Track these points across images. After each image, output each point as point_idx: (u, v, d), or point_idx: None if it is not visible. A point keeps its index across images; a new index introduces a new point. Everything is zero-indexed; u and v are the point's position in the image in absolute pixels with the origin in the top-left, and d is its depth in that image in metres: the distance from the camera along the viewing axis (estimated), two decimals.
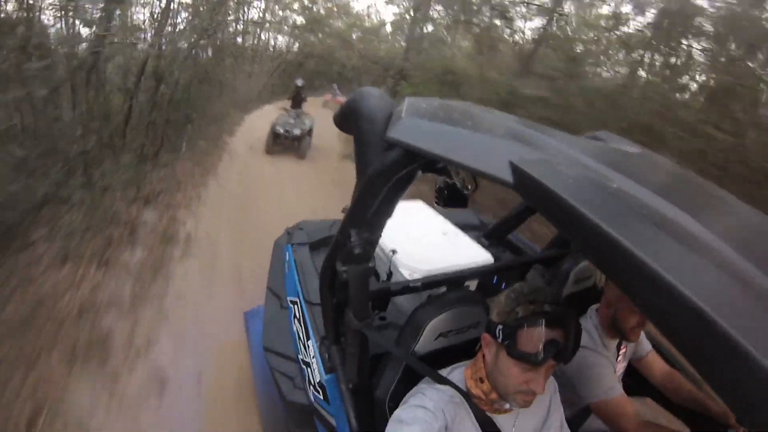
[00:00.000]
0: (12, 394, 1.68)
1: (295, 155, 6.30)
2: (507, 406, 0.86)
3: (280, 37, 12.66)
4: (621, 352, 1.24)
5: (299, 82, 7.16)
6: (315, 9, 11.40)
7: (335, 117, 0.95)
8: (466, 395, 0.87)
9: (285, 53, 12.22)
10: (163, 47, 4.54)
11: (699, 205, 0.61)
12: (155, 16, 5.02)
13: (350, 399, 1.05)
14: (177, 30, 5.08)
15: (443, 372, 0.93)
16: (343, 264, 0.93)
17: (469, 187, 0.83)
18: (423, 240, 1.54)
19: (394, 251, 1.42)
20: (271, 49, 12.53)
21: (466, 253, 1.51)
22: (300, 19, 11.65)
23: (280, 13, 11.80)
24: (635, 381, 1.31)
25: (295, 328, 1.49)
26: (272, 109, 7.98)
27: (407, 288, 1.19)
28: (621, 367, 1.25)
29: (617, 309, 1.12)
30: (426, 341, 1.02)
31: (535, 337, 0.77)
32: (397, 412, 0.85)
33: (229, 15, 7.10)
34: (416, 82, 6.34)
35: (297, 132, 6.29)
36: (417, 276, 1.33)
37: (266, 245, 2.03)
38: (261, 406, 1.82)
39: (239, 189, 4.42)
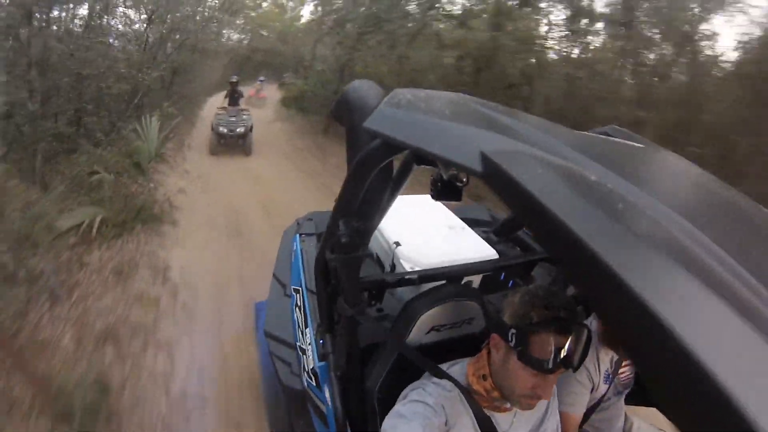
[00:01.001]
0: None
1: (241, 153, 6.70)
2: (508, 405, 0.87)
3: (234, 34, 15.64)
4: (626, 363, 1.23)
5: (234, 78, 7.35)
6: (264, 6, 14.40)
7: (332, 110, 0.97)
8: (467, 391, 0.87)
9: (237, 48, 15.25)
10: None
11: (706, 213, 0.52)
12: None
13: (338, 386, 1.08)
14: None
15: (444, 366, 0.94)
16: (331, 252, 0.96)
17: (464, 180, 0.80)
18: (427, 233, 1.54)
19: (397, 243, 1.43)
20: (225, 43, 15.45)
21: (470, 248, 1.50)
22: (253, 14, 14.58)
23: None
24: (644, 390, 1.29)
25: (295, 316, 1.55)
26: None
27: (403, 280, 1.18)
28: (626, 376, 1.26)
29: None
30: (418, 333, 1.04)
31: (548, 343, 0.76)
32: (396, 406, 0.87)
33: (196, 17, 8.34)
34: (318, 70, 9.66)
35: (241, 130, 6.49)
36: (418, 269, 1.33)
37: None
38: (265, 393, 1.94)
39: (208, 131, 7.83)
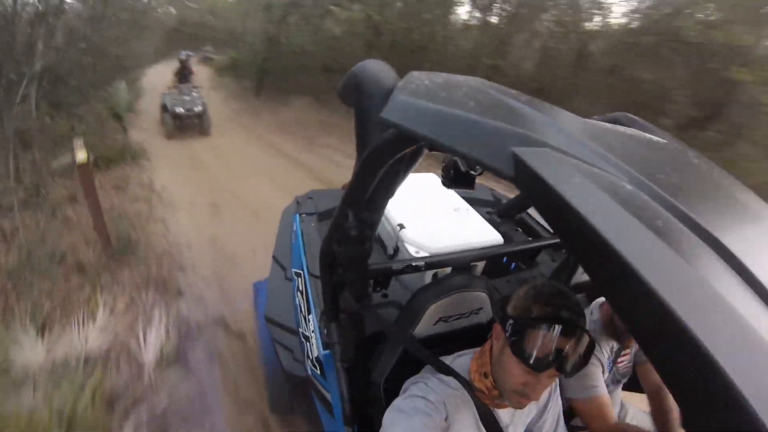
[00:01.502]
0: None
1: (198, 133, 6.41)
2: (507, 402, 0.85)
3: (172, 9, 15.94)
4: (625, 352, 1.24)
5: (183, 56, 7.07)
6: None
7: (338, 90, 0.87)
8: (469, 387, 0.86)
9: (166, 21, 15.70)
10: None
11: (738, 230, 0.49)
12: None
13: (345, 377, 1.07)
14: None
15: (446, 359, 0.92)
16: (339, 245, 0.94)
17: (477, 169, 0.77)
18: (432, 215, 1.53)
19: (401, 226, 1.41)
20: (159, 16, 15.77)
21: (475, 231, 1.48)
22: None
23: None
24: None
25: (297, 301, 1.52)
26: (161, 68, 11.75)
27: (410, 267, 1.16)
28: (624, 365, 1.27)
29: None
30: (425, 325, 1.02)
31: (543, 341, 0.74)
32: (397, 400, 0.85)
33: None
34: (248, 42, 10.96)
35: (198, 108, 6.14)
36: (423, 254, 1.32)
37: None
38: (266, 376, 1.95)
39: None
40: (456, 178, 0.80)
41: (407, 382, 0.92)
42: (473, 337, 1.07)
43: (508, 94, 0.62)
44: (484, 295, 1.08)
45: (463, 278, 1.08)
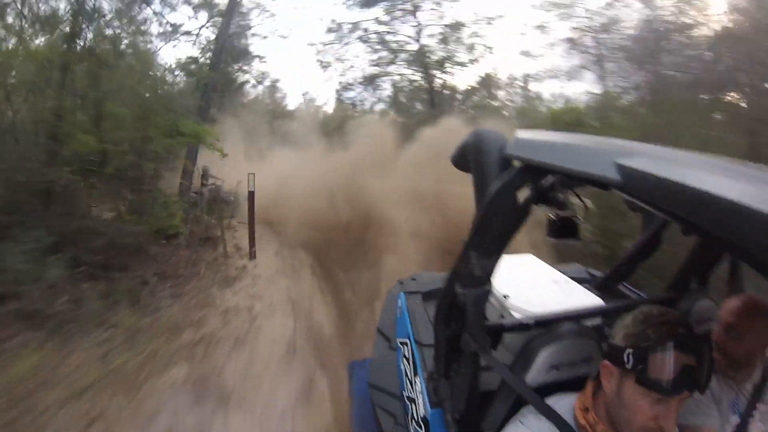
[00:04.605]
0: None
1: None
2: None
3: None
4: (756, 411, 1.08)
5: None
6: None
7: (452, 158, 1.06)
8: (570, 428, 0.81)
9: None
10: None
11: None
12: None
13: (455, 429, 1.07)
14: None
15: (552, 399, 0.89)
16: (462, 287, 0.99)
17: (580, 218, 0.83)
18: (534, 286, 1.56)
19: (506, 296, 1.44)
20: None
21: (578, 297, 1.50)
22: None
23: None
24: None
25: (402, 366, 1.56)
26: None
27: (521, 325, 1.18)
28: (758, 428, 1.12)
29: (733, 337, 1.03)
30: (538, 371, 1.03)
31: (670, 362, 0.70)
32: None
33: None
34: None
35: None
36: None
37: None
38: None
39: None
40: (561, 229, 0.84)
41: (507, 423, 0.91)
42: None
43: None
44: (594, 344, 1.09)
45: (573, 325, 1.12)
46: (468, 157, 0.99)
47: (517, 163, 0.89)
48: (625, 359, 0.74)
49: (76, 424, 2.32)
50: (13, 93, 4.40)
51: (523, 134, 0.83)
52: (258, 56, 11.15)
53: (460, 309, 1.03)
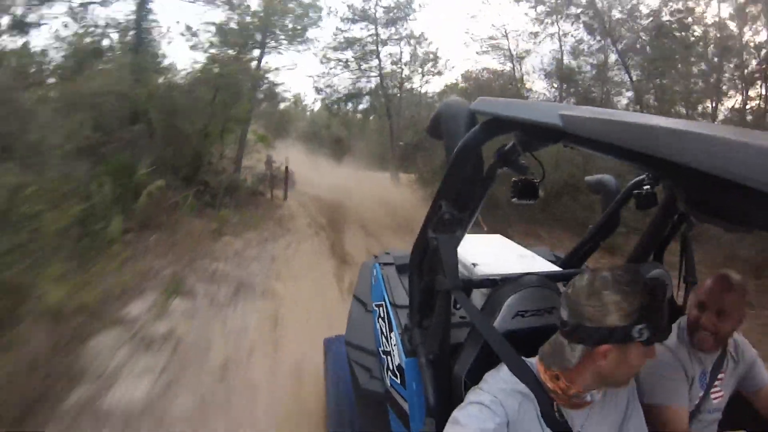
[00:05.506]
0: None
1: None
2: (588, 398, 0.84)
3: None
4: (719, 378, 1.20)
5: None
6: None
7: (427, 128, 1.22)
8: (539, 385, 0.85)
9: None
10: None
11: None
12: None
13: (429, 371, 1.12)
14: None
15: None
16: (433, 232, 1.06)
17: (538, 179, 0.98)
18: (501, 259, 1.69)
19: (474, 264, 1.56)
20: None
21: (543, 267, 1.61)
22: None
23: None
24: (735, 414, 1.30)
25: (378, 326, 1.70)
26: None
27: (489, 281, 1.30)
28: (718, 395, 1.22)
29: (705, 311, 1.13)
30: (504, 319, 1.10)
31: (666, 313, 0.79)
32: (454, 412, 0.86)
33: None
34: None
35: None
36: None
37: None
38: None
39: None
40: (523, 190, 1.03)
41: (468, 392, 0.93)
42: (548, 338, 1.07)
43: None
44: (555, 296, 1.14)
45: (536, 277, 1.17)
46: (440, 125, 1.11)
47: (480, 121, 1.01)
48: (636, 334, 0.76)
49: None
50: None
51: (486, 98, 0.96)
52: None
53: (434, 254, 1.08)
